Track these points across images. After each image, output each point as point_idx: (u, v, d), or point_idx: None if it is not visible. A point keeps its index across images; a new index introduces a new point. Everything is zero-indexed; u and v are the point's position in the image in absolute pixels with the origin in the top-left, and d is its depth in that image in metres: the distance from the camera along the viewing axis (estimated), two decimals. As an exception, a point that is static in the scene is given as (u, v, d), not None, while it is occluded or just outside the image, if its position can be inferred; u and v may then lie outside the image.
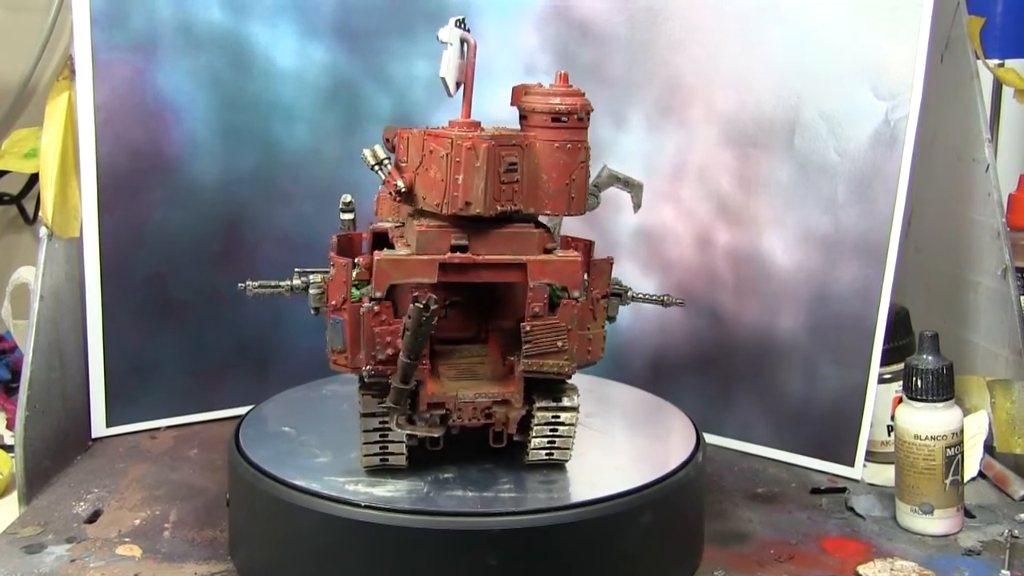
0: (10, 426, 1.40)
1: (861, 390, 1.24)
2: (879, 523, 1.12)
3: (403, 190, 0.93)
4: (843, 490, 1.20)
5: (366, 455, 0.96)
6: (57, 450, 1.21)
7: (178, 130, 1.33)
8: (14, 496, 1.16)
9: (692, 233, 1.38)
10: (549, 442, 0.98)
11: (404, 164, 0.94)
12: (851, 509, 1.15)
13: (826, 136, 1.28)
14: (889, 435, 1.26)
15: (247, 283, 0.98)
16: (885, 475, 1.21)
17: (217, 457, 1.24)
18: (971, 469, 1.22)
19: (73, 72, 1.24)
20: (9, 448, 1.29)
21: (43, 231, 1.21)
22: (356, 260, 0.93)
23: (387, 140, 0.99)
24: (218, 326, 1.39)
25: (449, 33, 0.96)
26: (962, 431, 1.08)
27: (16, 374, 1.49)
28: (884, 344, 1.23)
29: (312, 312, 0.97)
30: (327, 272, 0.95)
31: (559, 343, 0.93)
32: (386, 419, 0.94)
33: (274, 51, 1.38)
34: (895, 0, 1.22)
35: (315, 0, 1.39)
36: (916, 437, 1.08)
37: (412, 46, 1.45)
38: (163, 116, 1.32)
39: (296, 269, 0.98)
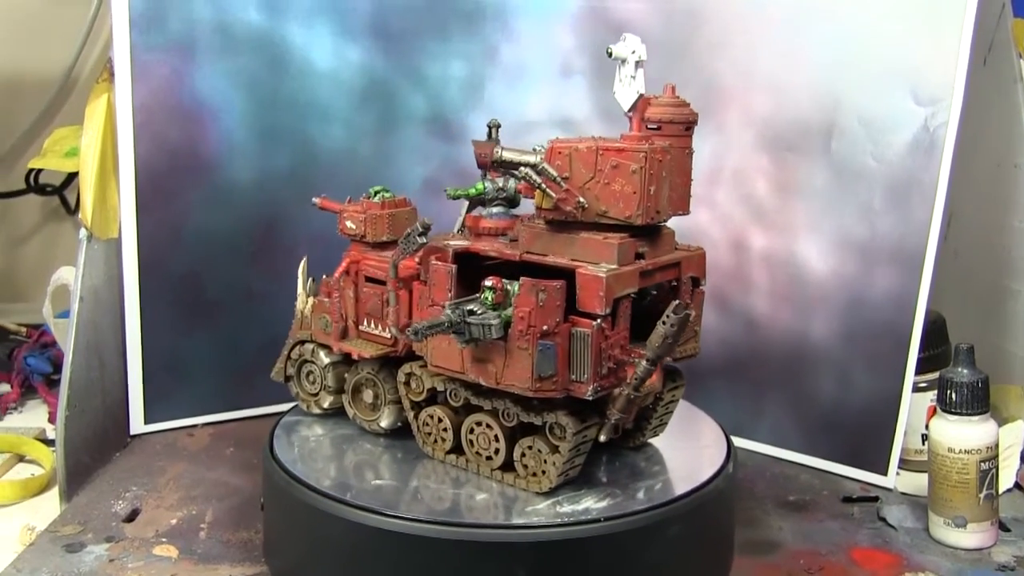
0: (52, 420, 1.43)
1: (895, 398, 1.23)
2: (911, 534, 1.12)
3: (586, 206, 0.93)
4: (875, 499, 1.20)
5: (560, 475, 0.96)
6: (97, 447, 1.24)
7: (215, 131, 1.35)
8: (55, 491, 1.18)
9: (727, 237, 1.37)
10: (662, 420, 1.07)
11: (566, 178, 0.94)
12: (883, 519, 1.15)
13: (864, 141, 1.26)
14: (923, 444, 1.26)
15: (415, 326, 0.93)
16: (918, 484, 1.21)
17: (252, 456, 1.26)
18: (1007, 480, 1.21)
19: (112, 74, 1.25)
20: (51, 442, 1.32)
21: (83, 232, 1.22)
22: (491, 284, 0.92)
23: (481, 155, 0.97)
24: (252, 325, 1.40)
25: (624, 49, 0.95)
26: (997, 445, 1.07)
27: (57, 367, 1.53)
28: (919, 352, 1.22)
29: (479, 340, 0.91)
30: (483, 299, 0.92)
31: (696, 328, 1.02)
32: (587, 435, 0.95)
33: (310, 52, 1.39)
34: (936, 4, 1.20)
35: (351, 1, 1.40)
36: (950, 450, 1.07)
37: (447, 46, 1.45)
38: (200, 117, 1.33)
39: (447, 303, 0.93)
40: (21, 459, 1.35)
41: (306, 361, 1.09)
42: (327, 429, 1.09)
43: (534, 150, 1.03)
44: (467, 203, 1.13)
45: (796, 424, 1.33)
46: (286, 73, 1.38)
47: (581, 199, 0.94)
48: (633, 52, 0.96)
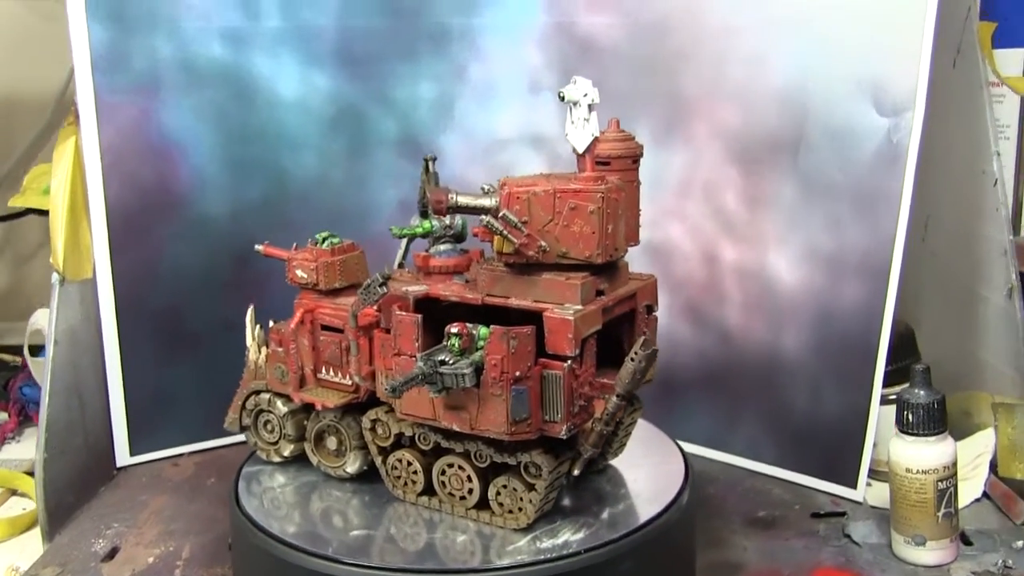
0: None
1: (864, 411, 1.23)
2: (874, 551, 1.12)
3: (547, 250, 0.95)
4: (843, 514, 1.20)
5: (537, 511, 0.97)
6: (80, 485, 1.27)
7: (185, 166, 1.37)
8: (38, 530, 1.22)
9: (699, 250, 1.37)
10: (622, 442, 1.10)
11: (525, 222, 0.95)
12: (848, 536, 1.15)
13: (830, 154, 1.25)
14: (894, 455, 1.26)
15: (392, 383, 0.93)
16: (887, 496, 1.20)
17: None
18: (975, 490, 1.21)
19: (77, 117, 1.27)
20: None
21: (55, 276, 1.25)
22: (456, 331, 0.93)
23: (439, 202, 0.97)
24: (231, 354, 1.41)
25: (576, 92, 0.96)
26: (955, 464, 1.07)
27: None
28: (887, 365, 1.21)
29: (450, 389, 0.92)
30: (450, 345, 0.93)
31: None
32: (561, 470, 0.97)
33: (277, 82, 1.40)
34: (898, 15, 1.19)
35: (316, 28, 1.41)
36: (908, 471, 1.07)
37: (415, 68, 1.45)
38: (170, 154, 1.35)
39: (419, 356, 0.93)
40: (14, 493, 1.39)
41: (263, 411, 1.10)
42: (290, 477, 1.10)
43: (483, 190, 1.04)
44: (403, 241, 1.14)
45: (770, 437, 1.33)
46: (253, 105, 1.39)
47: (543, 243, 0.95)
48: (585, 95, 0.97)
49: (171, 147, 1.35)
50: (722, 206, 1.35)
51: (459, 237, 1.09)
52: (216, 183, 1.39)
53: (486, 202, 0.97)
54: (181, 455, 1.41)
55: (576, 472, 0.99)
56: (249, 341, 1.11)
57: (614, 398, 0.94)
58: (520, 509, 0.98)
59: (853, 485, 1.24)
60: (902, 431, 1.08)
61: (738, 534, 1.17)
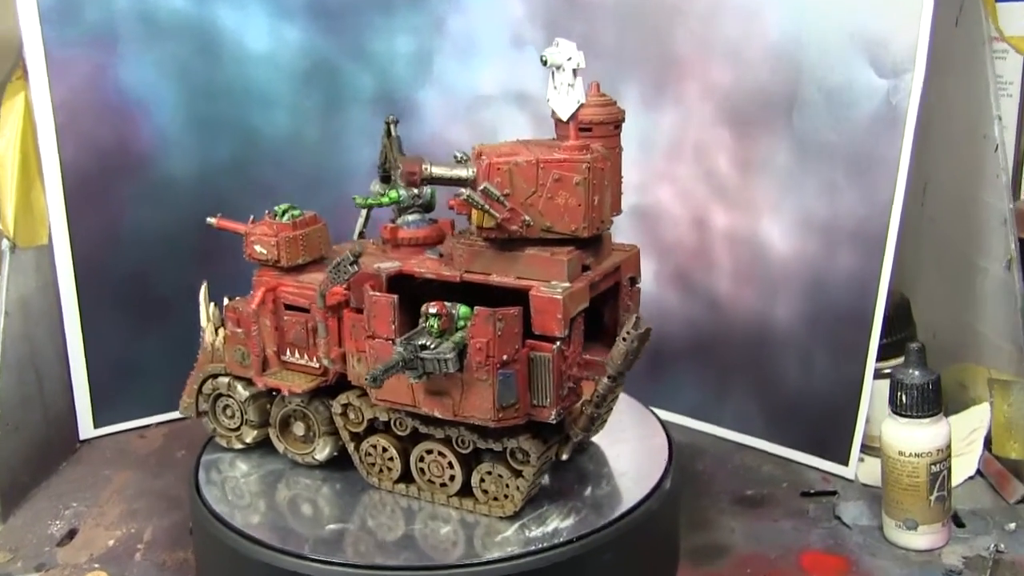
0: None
1: (856, 386, 1.18)
2: (865, 534, 1.08)
3: (531, 224, 0.89)
4: (834, 493, 1.15)
5: (525, 497, 0.93)
6: (39, 462, 1.22)
7: (147, 126, 1.30)
8: (-4, 510, 1.17)
9: (689, 215, 1.31)
10: (603, 419, 1.03)
11: (507, 195, 0.89)
12: (838, 518, 1.10)
13: (825, 115, 1.19)
14: (888, 431, 1.21)
15: (373, 372, 0.86)
16: (880, 473, 1.16)
17: (202, 459, 1.23)
18: (969, 467, 1.16)
19: (26, 72, 1.20)
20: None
21: (4, 244, 1.18)
22: (435, 311, 0.87)
23: (412, 174, 0.90)
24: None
25: (559, 55, 0.89)
26: (948, 447, 1.02)
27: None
28: (882, 338, 1.16)
29: (432, 374, 0.86)
30: (429, 327, 0.87)
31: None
32: (549, 455, 0.93)
33: (244, 35, 1.33)
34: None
35: (285, -22, 1.33)
36: (900, 453, 1.02)
37: (391, 20, 1.38)
38: (129, 112, 1.28)
39: (398, 340, 0.87)
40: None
41: (221, 395, 1.04)
42: (253, 464, 1.04)
43: (456, 158, 0.97)
44: (355, 203, 1.08)
45: (760, 410, 1.28)
46: (219, 60, 1.32)
47: (527, 217, 0.89)
48: (569, 59, 0.90)
49: (131, 105, 1.28)
50: (713, 169, 1.28)
51: (428, 207, 1.03)
52: (180, 143, 1.32)
53: (462, 172, 0.90)
54: (148, 426, 1.36)
55: (565, 456, 0.95)
56: (204, 321, 1.04)
57: (605, 379, 0.90)
58: (506, 496, 0.93)
59: (844, 462, 1.19)
60: (895, 412, 1.03)
61: (726, 514, 1.13)
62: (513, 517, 0.93)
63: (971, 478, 1.15)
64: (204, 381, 1.04)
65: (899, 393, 1.02)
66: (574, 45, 0.89)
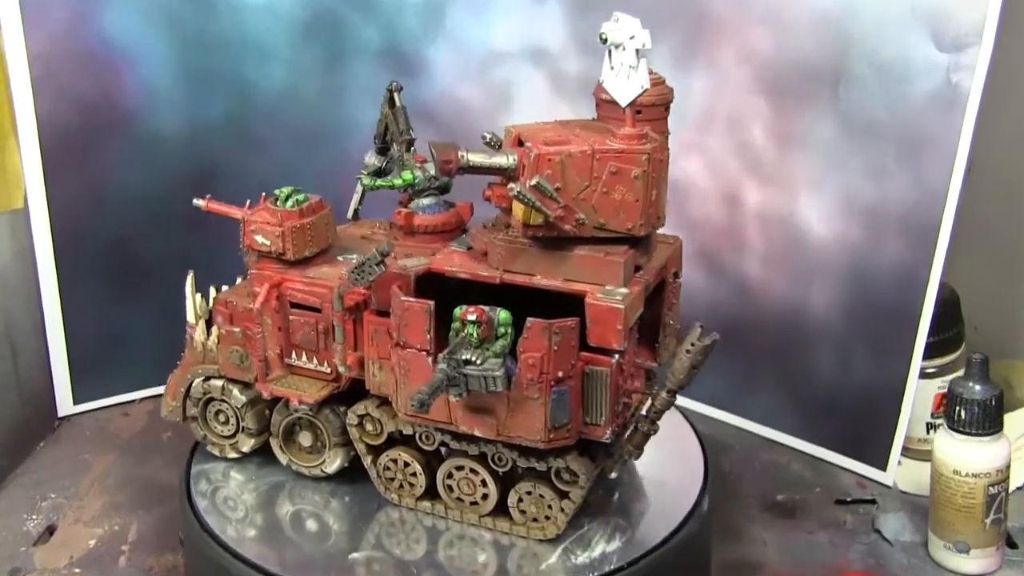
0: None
1: (899, 386, 1.10)
2: (908, 552, 1.00)
3: (585, 222, 0.80)
4: (871, 502, 1.08)
5: (569, 519, 0.85)
6: (14, 445, 1.13)
7: (133, 78, 1.18)
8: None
9: (719, 189, 1.22)
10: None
11: (558, 189, 0.79)
12: (878, 531, 1.03)
13: (876, 90, 1.09)
14: (928, 433, 1.14)
15: (419, 397, 0.76)
16: (920, 478, 1.09)
17: (190, 442, 1.14)
18: (1018, 475, 1.09)
19: (-1, 19, 1.08)
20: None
21: (-24, 210, 1.08)
22: (475, 318, 0.77)
23: (447, 163, 0.80)
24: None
25: (620, 33, 0.78)
26: (1008, 466, 0.94)
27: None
28: (929, 336, 1.08)
29: (470, 391, 0.77)
30: (467, 335, 0.78)
31: (675, 324, 0.93)
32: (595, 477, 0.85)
33: (240, -20, 1.21)
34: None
35: (285, -82, 1.20)
36: (956, 472, 0.94)
37: (400, -33, 1.26)
38: (114, 63, 1.17)
39: (442, 355, 0.77)
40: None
41: (213, 399, 0.93)
42: (251, 474, 0.93)
43: (485, 139, 0.87)
44: (360, 183, 0.98)
45: (790, 404, 1.20)
46: (212, 7, 1.20)
47: (581, 215, 0.80)
48: (632, 37, 0.79)
49: (115, 56, 1.17)
50: (748, 141, 1.19)
51: (444, 188, 0.93)
52: (170, 98, 1.20)
53: (503, 160, 0.81)
54: (132, 402, 1.27)
55: (613, 475, 0.86)
56: (191, 316, 0.93)
57: (664, 394, 0.81)
58: (547, 518, 0.85)
59: (882, 467, 1.12)
60: (951, 428, 0.95)
61: (756, 523, 1.06)
62: (554, 540, 0.84)
63: (1020, 488, 1.08)
64: (192, 383, 0.93)
65: (958, 408, 0.93)
66: (638, 22, 0.78)
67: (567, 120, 0.89)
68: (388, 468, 0.88)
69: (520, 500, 0.85)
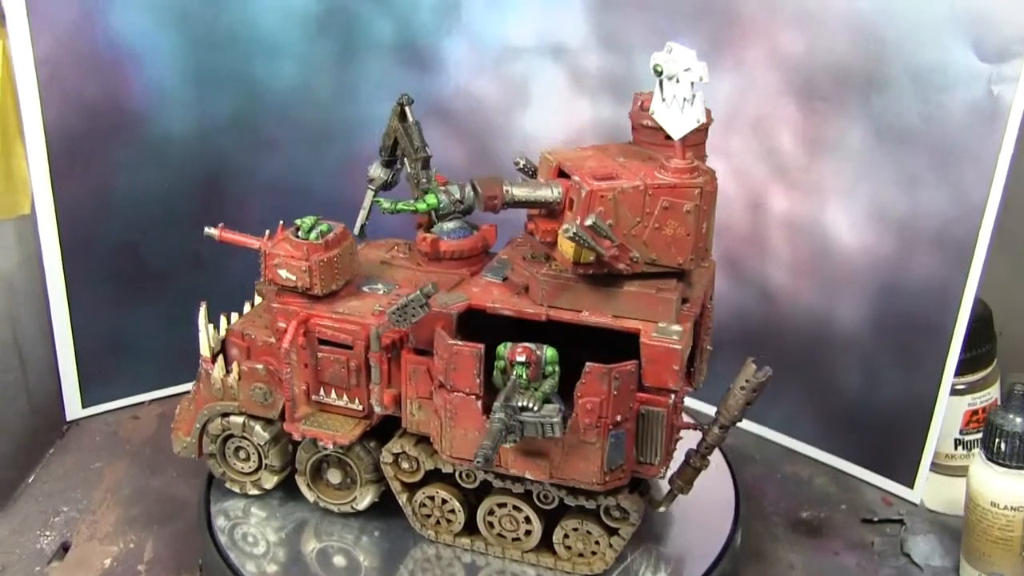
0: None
1: (928, 404, 1.08)
2: (938, 576, 0.99)
3: (638, 260, 0.78)
4: (899, 522, 1.06)
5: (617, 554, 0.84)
6: (25, 454, 1.11)
7: (140, 79, 1.14)
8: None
9: (743, 195, 1.18)
10: None
11: (611, 225, 0.77)
12: (907, 555, 1.01)
13: (911, 98, 1.05)
14: (956, 449, 1.11)
15: (484, 453, 0.74)
16: (948, 496, 1.07)
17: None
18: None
19: (4, 21, 1.04)
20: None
21: (-18, 218, 1.05)
22: (522, 359, 0.76)
23: (492, 199, 0.78)
24: (203, 292, 1.23)
25: (674, 65, 0.76)
26: (1048, 499, 0.92)
27: None
28: (961, 354, 1.05)
29: (524, 437, 0.75)
30: (516, 376, 0.76)
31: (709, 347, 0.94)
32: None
33: (250, -25, 1.16)
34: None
35: (297, -91, 1.16)
36: (994, 504, 0.92)
37: (416, -41, 1.21)
38: (121, 64, 1.13)
39: (497, 404, 0.75)
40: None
41: (232, 436, 0.90)
42: (272, 509, 0.91)
43: (517, 165, 0.85)
44: (368, 200, 0.94)
45: (813, 415, 1.18)
46: (221, 4, 1.15)
47: (635, 253, 0.78)
48: (687, 69, 0.76)
49: (122, 56, 1.12)
50: (775, 146, 1.15)
51: (467, 211, 0.89)
52: (178, 98, 1.16)
53: (547, 194, 0.79)
54: (142, 403, 1.24)
55: (663, 509, 0.85)
56: (204, 350, 0.89)
57: (716, 429, 0.81)
58: (594, 553, 0.83)
59: (909, 484, 1.10)
60: (990, 459, 0.92)
61: (781, 542, 1.04)
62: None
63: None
64: (208, 420, 0.90)
65: (997, 440, 0.91)
66: (693, 53, 0.75)
67: (604, 145, 0.87)
68: (424, 505, 0.86)
69: (566, 536, 0.83)
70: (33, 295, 1.13)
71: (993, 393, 1.10)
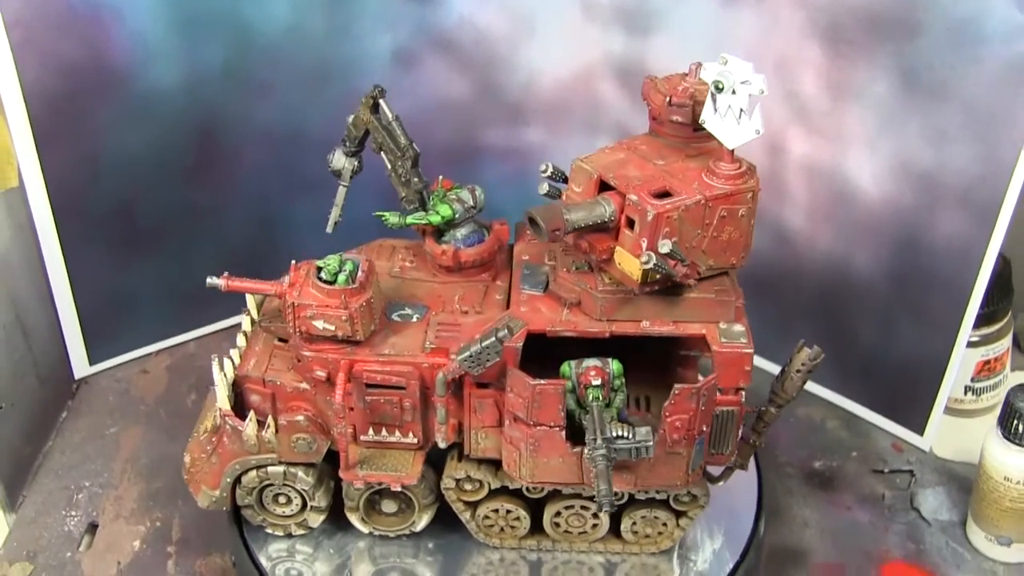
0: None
1: (943, 357, 1.08)
2: (947, 533, 1.02)
3: (702, 273, 0.80)
4: (909, 472, 1.09)
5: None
6: (37, 428, 1.10)
7: (122, 32, 1.06)
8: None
9: (762, 136, 1.14)
10: None
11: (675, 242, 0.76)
12: (916, 510, 1.05)
13: (945, 48, 1.00)
14: (965, 395, 1.13)
15: (608, 498, 0.75)
16: (956, 441, 1.10)
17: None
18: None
19: (-30, -14, 0.95)
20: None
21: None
22: (597, 382, 0.76)
23: (556, 231, 0.75)
24: (201, 243, 1.20)
25: (730, 77, 0.73)
26: (1061, 475, 0.95)
27: None
28: (979, 310, 1.05)
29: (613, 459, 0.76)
30: (593, 399, 0.76)
31: None
32: None
33: (233, -91, 1.06)
34: None
35: None
36: (1007, 479, 0.95)
37: None
38: (99, 19, 1.04)
39: (594, 440, 0.75)
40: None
41: (270, 485, 0.86)
42: (316, 540, 0.90)
43: (543, 172, 0.82)
44: (340, 196, 0.90)
45: (827, 359, 1.15)
46: (204, -56, 1.06)
47: (702, 267, 0.78)
48: (744, 82, 0.74)
49: (100, 9, 1.04)
50: (797, 89, 1.10)
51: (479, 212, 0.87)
52: (162, 49, 1.08)
53: (601, 212, 0.77)
54: (148, 355, 1.23)
55: (722, 483, 0.89)
56: (222, 402, 0.82)
57: (773, 409, 0.85)
58: (661, 534, 0.88)
59: (919, 431, 1.12)
60: (1007, 437, 0.94)
61: (795, 496, 1.07)
62: (665, 553, 0.89)
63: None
64: (242, 472, 0.85)
65: (1015, 421, 0.92)
66: (750, 66, 0.73)
67: (629, 142, 0.84)
68: (487, 517, 0.87)
69: (634, 524, 0.87)
70: (29, 266, 1.09)
71: (1006, 343, 1.11)
